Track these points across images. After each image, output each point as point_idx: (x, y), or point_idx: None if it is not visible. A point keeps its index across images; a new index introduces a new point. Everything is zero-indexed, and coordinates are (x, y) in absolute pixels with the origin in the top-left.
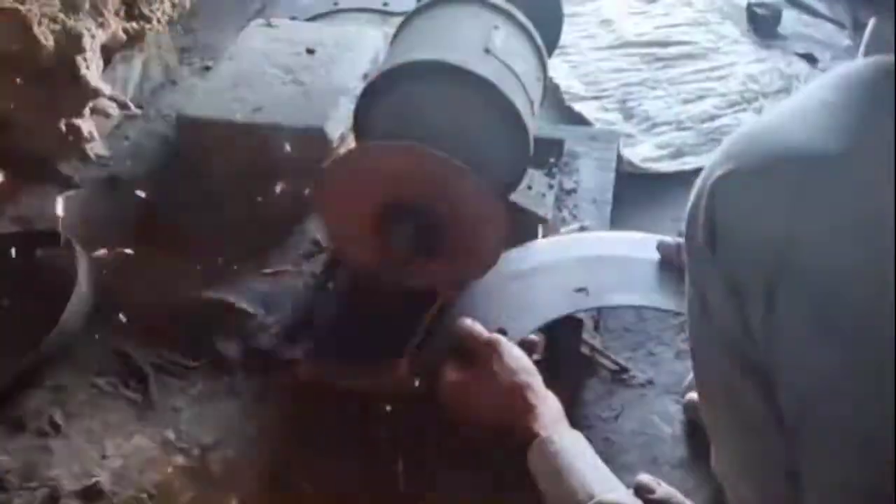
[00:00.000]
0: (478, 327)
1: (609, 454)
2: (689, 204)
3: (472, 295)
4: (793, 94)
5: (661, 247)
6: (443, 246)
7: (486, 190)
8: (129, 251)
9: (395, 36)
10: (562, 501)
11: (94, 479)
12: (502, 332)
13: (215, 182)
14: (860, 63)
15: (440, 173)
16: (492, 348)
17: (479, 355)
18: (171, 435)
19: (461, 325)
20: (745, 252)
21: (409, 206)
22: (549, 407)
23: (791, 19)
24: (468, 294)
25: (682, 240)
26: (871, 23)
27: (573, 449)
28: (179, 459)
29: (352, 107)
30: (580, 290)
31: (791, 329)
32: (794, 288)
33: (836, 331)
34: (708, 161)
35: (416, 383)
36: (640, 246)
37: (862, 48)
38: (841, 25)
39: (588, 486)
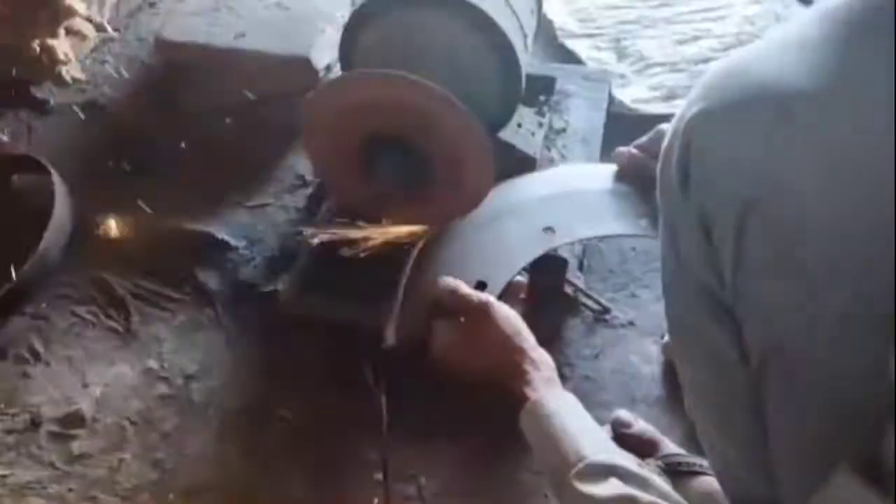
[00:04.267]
0: (462, 286)
1: (588, 392)
2: (664, 143)
3: (444, 246)
4: (772, 30)
5: (617, 155)
6: (429, 180)
7: (473, 121)
8: None
9: None
10: (553, 464)
11: (75, 406)
12: (482, 284)
13: (195, 111)
14: None
15: (426, 103)
16: (483, 311)
17: (468, 316)
18: (153, 364)
19: (444, 284)
20: (717, 190)
21: (395, 138)
22: (541, 370)
23: None
24: (440, 246)
25: (635, 150)
26: None
27: (564, 411)
28: (162, 388)
29: (338, 36)
30: (547, 229)
31: (758, 269)
32: (762, 227)
33: (803, 271)
34: (684, 99)
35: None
36: (594, 177)
37: None
38: None
39: (579, 448)
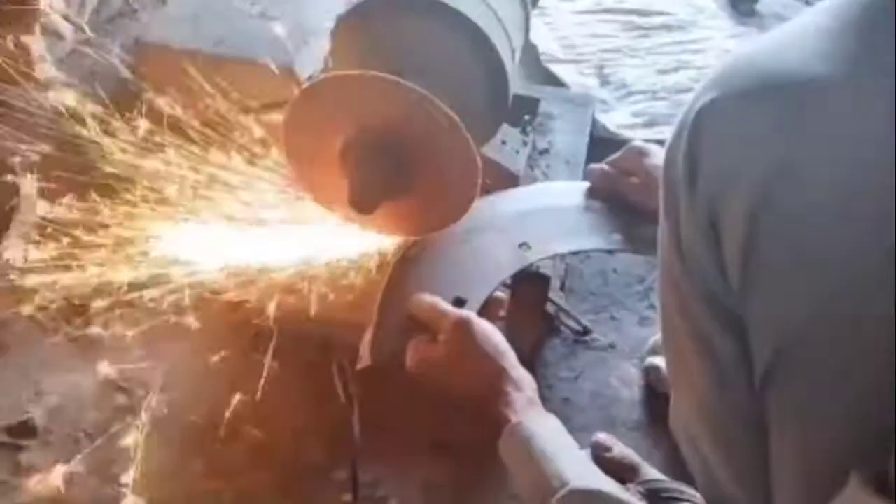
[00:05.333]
0: (440, 304)
1: (567, 414)
2: (671, 135)
3: (421, 262)
4: (784, 23)
5: (589, 172)
6: (412, 187)
7: (459, 126)
8: None
9: None
10: (534, 488)
11: (26, 416)
12: (461, 301)
13: (173, 117)
14: None
15: (410, 106)
16: (462, 328)
17: (447, 334)
18: (112, 373)
19: (422, 301)
20: (728, 183)
21: (379, 142)
22: (522, 391)
23: None
24: (416, 261)
25: (606, 166)
26: None
27: (546, 434)
28: (121, 399)
29: (323, 46)
30: (522, 244)
31: (769, 264)
32: (775, 219)
33: (816, 267)
34: (694, 92)
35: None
36: (568, 194)
37: None
38: None
39: (561, 472)
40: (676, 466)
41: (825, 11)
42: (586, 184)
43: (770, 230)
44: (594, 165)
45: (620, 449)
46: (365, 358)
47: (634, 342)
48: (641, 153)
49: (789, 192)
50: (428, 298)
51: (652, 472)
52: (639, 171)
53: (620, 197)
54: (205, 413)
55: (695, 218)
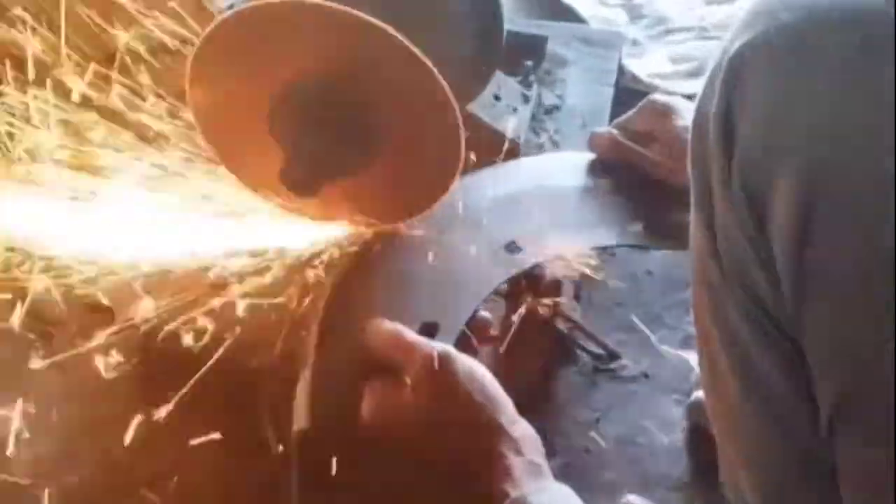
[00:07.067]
0: (404, 333)
1: (586, 470)
2: (700, 89)
3: (373, 275)
4: None
5: (593, 140)
6: (371, 159)
7: (433, 74)
8: None
9: None
10: None
11: None
12: (432, 328)
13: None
14: None
15: (368, 46)
16: (438, 369)
17: (416, 376)
18: None
19: (378, 332)
20: (774, 154)
21: (324, 96)
22: (523, 453)
23: None
24: (367, 275)
25: (615, 130)
26: None
27: None
28: None
29: None
30: (510, 244)
31: (831, 267)
32: (837, 202)
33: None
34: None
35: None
36: (565, 170)
37: None
38: None
39: None
40: None
41: None
42: (590, 156)
43: (831, 214)
44: (599, 130)
45: None
46: (301, 418)
47: (676, 370)
48: (663, 111)
49: (855, 161)
50: (386, 326)
51: None
52: (660, 135)
53: (637, 172)
54: (86, 472)
55: (732, 202)
